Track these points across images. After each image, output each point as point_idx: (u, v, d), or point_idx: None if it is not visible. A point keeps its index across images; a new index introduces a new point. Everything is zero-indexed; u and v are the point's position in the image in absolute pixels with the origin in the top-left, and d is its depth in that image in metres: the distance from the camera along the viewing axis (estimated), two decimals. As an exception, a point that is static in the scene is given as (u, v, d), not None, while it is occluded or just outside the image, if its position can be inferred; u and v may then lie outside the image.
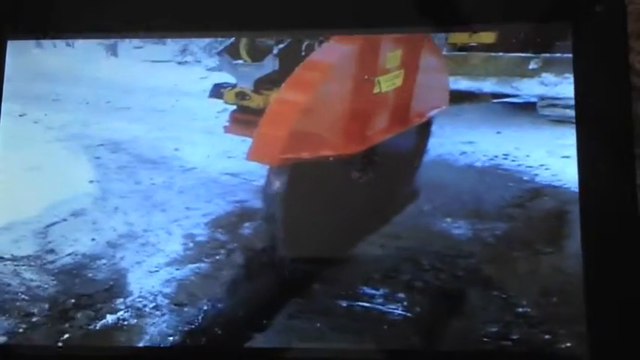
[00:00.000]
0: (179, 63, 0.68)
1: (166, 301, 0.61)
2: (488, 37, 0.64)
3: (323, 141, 0.65)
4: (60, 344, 0.60)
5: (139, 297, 0.61)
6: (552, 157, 0.60)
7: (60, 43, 0.67)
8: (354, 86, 0.65)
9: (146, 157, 0.67)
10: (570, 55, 0.59)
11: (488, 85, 0.66)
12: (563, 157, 0.59)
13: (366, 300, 0.59)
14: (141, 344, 0.59)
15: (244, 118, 0.66)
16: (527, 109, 0.64)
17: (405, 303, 0.58)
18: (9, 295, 0.62)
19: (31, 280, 0.62)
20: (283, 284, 0.60)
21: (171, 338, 0.59)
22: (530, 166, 0.61)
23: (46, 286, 0.62)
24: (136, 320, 0.60)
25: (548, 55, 0.62)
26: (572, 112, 0.59)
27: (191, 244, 0.63)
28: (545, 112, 0.63)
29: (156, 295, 0.61)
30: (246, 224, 0.63)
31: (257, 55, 0.68)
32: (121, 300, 0.61)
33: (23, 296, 0.62)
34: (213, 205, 0.65)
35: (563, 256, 0.57)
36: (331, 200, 0.64)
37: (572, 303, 0.56)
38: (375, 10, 0.62)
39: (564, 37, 0.59)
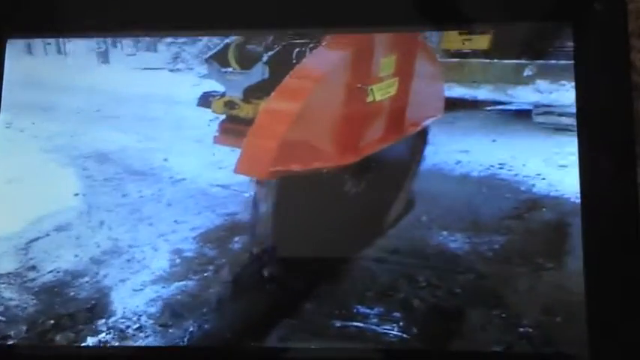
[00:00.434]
0: (171, 70, 0.65)
1: (150, 321, 0.57)
2: (482, 42, 0.62)
3: (314, 153, 0.61)
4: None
5: (122, 317, 0.57)
6: (549, 167, 0.57)
7: (51, 49, 0.64)
8: (346, 95, 0.62)
9: (135, 169, 0.64)
10: (566, 62, 0.57)
11: (482, 93, 0.64)
12: (561, 166, 0.56)
13: (360, 320, 0.55)
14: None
15: (234, 128, 0.62)
16: (522, 116, 0.62)
17: (402, 323, 0.54)
18: (-15, 317, 0.58)
19: (10, 300, 0.58)
20: (273, 303, 0.57)
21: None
22: (527, 176, 0.59)
23: (25, 305, 0.58)
24: (118, 343, 0.56)
25: (543, 61, 0.59)
26: (567, 120, 0.56)
27: (178, 260, 0.59)
28: (540, 120, 0.60)
29: (140, 316, 0.57)
30: (236, 238, 0.60)
31: (246, 62, 0.64)
32: (103, 321, 0.57)
33: (0, 317, 0.58)
34: (203, 218, 0.61)
35: (565, 272, 0.54)
36: (323, 214, 0.61)
37: (575, 322, 0.52)
38: (369, 9, 0.59)
39: (562, 40, 0.57)
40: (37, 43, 0.65)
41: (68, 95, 0.64)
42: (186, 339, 0.55)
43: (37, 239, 0.61)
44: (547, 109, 0.60)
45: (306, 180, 0.60)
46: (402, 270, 0.56)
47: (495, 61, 0.62)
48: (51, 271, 0.59)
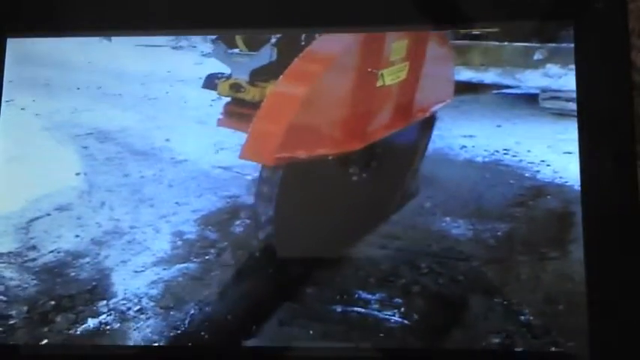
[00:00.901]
0: (174, 48, 0.64)
1: (152, 303, 0.56)
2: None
3: (321, 138, 0.60)
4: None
5: (123, 299, 0.57)
6: (554, 153, 0.57)
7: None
8: (356, 79, 0.60)
9: (136, 148, 0.63)
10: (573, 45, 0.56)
11: (490, 76, 0.63)
12: (565, 152, 0.56)
13: (361, 305, 0.54)
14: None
15: (239, 111, 0.62)
16: (529, 101, 0.62)
17: (403, 309, 0.54)
18: (-15, 296, 0.58)
19: (11, 279, 0.58)
20: (275, 287, 0.56)
21: (156, 344, 0.55)
22: (531, 162, 0.58)
23: (26, 285, 0.58)
24: (118, 324, 0.56)
25: (555, 44, 0.59)
26: (574, 106, 0.56)
27: (179, 243, 0.59)
28: (547, 105, 0.60)
29: (141, 298, 0.56)
30: (238, 222, 0.59)
31: (254, 43, 0.63)
32: (104, 302, 0.57)
33: (1, 297, 0.58)
34: (204, 200, 0.61)
35: (568, 262, 0.53)
36: (327, 199, 0.60)
37: (577, 311, 0.51)
38: (377, 6, 0.58)
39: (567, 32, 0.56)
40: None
41: (68, 72, 0.63)
42: (187, 322, 0.55)
43: (37, 218, 0.60)
44: (554, 94, 0.60)
45: (311, 165, 0.59)
46: (404, 256, 0.56)
47: (506, 43, 0.62)
48: (52, 251, 0.59)
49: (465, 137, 0.60)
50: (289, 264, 0.56)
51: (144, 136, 0.63)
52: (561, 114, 0.58)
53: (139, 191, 0.61)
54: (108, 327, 0.55)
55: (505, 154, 0.59)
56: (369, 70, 0.60)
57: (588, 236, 0.52)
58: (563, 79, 0.57)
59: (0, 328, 0.56)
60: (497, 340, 0.52)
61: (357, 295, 0.55)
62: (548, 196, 0.56)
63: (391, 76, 0.61)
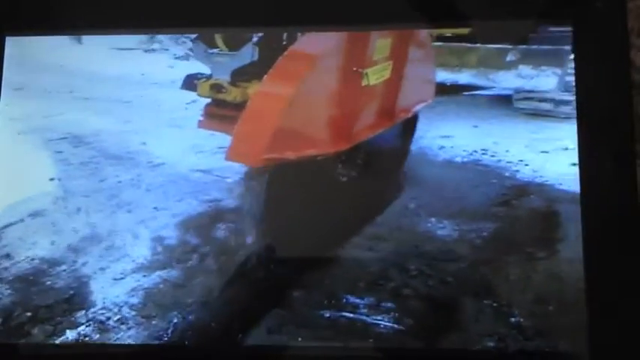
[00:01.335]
0: (146, 51, 0.63)
1: (132, 312, 0.54)
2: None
3: (308, 139, 0.59)
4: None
5: (102, 308, 0.54)
6: (531, 153, 0.56)
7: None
8: (341, 78, 0.60)
9: (111, 152, 0.61)
10: (548, 47, 0.56)
11: (464, 77, 0.63)
12: (542, 152, 0.56)
13: (350, 310, 0.53)
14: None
15: (220, 112, 0.60)
16: (503, 102, 0.61)
17: (393, 313, 0.52)
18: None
19: (-17, 290, 0.56)
20: (261, 293, 0.54)
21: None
22: (510, 162, 0.57)
23: (0, 296, 0.55)
24: (98, 335, 0.53)
25: (526, 46, 0.58)
26: (547, 106, 0.57)
27: (159, 248, 0.57)
28: (521, 106, 0.60)
29: (121, 307, 0.54)
30: (220, 225, 0.58)
31: (234, 43, 0.61)
32: (83, 312, 0.54)
33: (-27, 308, 0.55)
34: (184, 204, 0.59)
35: (556, 261, 0.52)
36: (315, 201, 0.59)
37: (569, 311, 0.51)
38: (360, 5, 0.57)
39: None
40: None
41: (41, 75, 0.62)
42: (170, 331, 0.53)
43: (10, 225, 0.58)
44: (527, 95, 0.60)
45: (297, 167, 0.58)
46: (392, 258, 0.55)
47: (479, 45, 0.61)
48: (26, 259, 0.57)
49: (443, 138, 0.60)
50: (278, 268, 0.55)
51: (119, 139, 0.61)
52: (535, 114, 0.58)
53: (116, 196, 0.59)
54: (87, 339, 0.53)
55: (484, 154, 0.58)
56: (354, 69, 0.59)
57: (587, 236, 0.51)
58: (536, 79, 0.58)
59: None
60: (490, 344, 0.51)
61: (345, 300, 0.53)
62: (532, 196, 0.55)
63: (375, 75, 0.61)
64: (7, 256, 0.57)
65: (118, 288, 0.55)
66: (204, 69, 0.62)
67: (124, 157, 0.61)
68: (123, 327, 0.53)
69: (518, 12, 0.56)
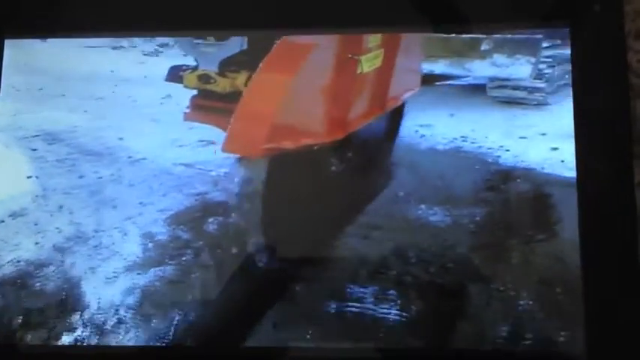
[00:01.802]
0: (113, 48, 0.61)
1: (130, 313, 0.52)
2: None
3: (305, 128, 0.58)
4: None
5: (98, 310, 0.52)
6: (510, 139, 0.56)
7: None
8: (337, 66, 0.58)
9: (88, 148, 0.59)
10: (521, 36, 0.57)
11: (439, 67, 0.62)
12: (521, 137, 0.56)
13: (356, 300, 0.52)
14: None
15: (207, 104, 0.58)
16: (478, 90, 0.61)
17: (399, 301, 0.52)
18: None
19: (-33, 296, 0.54)
20: (263, 286, 0.53)
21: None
22: (490, 148, 0.57)
23: (-13, 301, 0.54)
24: (97, 339, 0.51)
25: (500, 35, 0.58)
26: (520, 94, 0.57)
27: (151, 245, 0.55)
28: (495, 94, 0.60)
29: (118, 307, 0.52)
30: (211, 219, 0.56)
31: None
32: (78, 315, 0.52)
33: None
34: (170, 199, 0.57)
35: (557, 242, 0.52)
36: (312, 192, 0.57)
37: (569, 295, 0.51)
38: (354, 7, 0.57)
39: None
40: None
41: (8, 74, 0.60)
42: (172, 330, 0.51)
43: (-10, 226, 0.56)
44: (501, 83, 0.60)
45: (294, 158, 0.57)
46: (388, 247, 0.54)
47: (453, 35, 0.61)
48: (10, 261, 0.55)
49: (423, 127, 0.59)
50: (278, 262, 0.54)
51: (95, 135, 0.59)
52: (509, 102, 0.58)
53: (99, 192, 0.57)
54: (85, 343, 0.51)
55: (464, 141, 0.58)
56: (350, 55, 0.58)
57: (586, 236, 0.52)
58: (511, 68, 0.58)
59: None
60: (498, 330, 0.51)
61: (349, 290, 0.52)
62: (518, 180, 0.55)
63: (369, 63, 0.60)
64: (-10, 258, 0.55)
65: (112, 288, 0.53)
66: (180, 61, 0.60)
67: (101, 152, 0.59)
68: (121, 329, 0.52)
69: (516, 15, 0.56)
